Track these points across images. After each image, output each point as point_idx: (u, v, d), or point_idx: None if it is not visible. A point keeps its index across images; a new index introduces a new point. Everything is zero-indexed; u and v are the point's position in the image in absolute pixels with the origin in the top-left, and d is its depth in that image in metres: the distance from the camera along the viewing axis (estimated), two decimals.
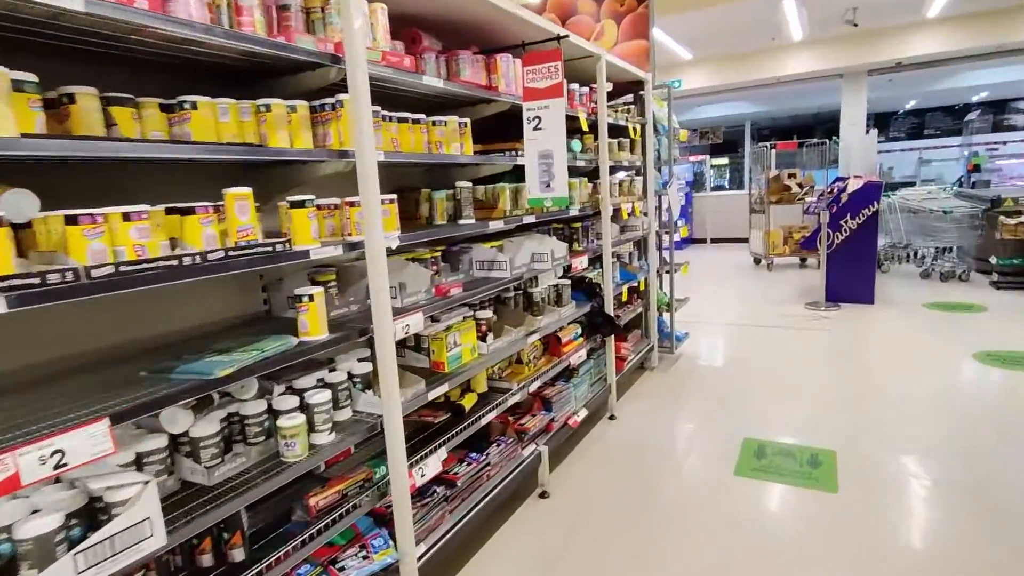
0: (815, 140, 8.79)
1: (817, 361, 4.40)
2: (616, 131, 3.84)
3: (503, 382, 2.72)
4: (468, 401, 2.45)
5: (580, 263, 3.14)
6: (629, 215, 3.95)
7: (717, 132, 18.74)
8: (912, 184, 13.02)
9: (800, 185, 8.35)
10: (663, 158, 4.24)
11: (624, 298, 3.84)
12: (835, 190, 8.46)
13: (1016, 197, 6.25)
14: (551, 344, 3.10)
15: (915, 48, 9.45)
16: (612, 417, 3.54)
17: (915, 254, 7.95)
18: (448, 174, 2.68)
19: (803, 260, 8.70)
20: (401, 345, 2.31)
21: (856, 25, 8.41)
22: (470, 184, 2.34)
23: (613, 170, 3.96)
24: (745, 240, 10.37)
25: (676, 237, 4.54)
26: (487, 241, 2.67)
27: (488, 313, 2.50)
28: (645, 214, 4.16)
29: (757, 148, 8.69)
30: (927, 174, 16.91)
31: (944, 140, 17.72)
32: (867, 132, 10.65)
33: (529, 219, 2.64)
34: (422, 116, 2.14)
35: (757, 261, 9.02)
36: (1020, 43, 9.12)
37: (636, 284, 4.07)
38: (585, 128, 3.12)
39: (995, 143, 16.02)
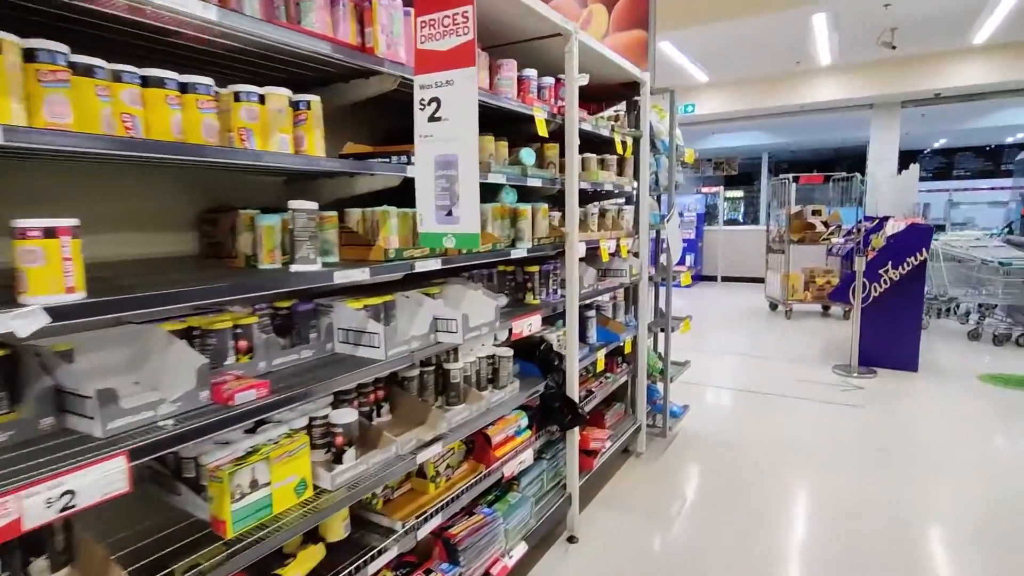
0: (843, 174, 7.81)
1: (850, 456, 3.36)
2: (598, 145, 2.89)
3: (382, 515, 1.73)
4: (300, 567, 1.46)
5: (529, 324, 2.17)
6: (613, 255, 2.99)
7: (732, 163, 17.83)
8: (942, 228, 11.98)
9: (826, 224, 7.36)
10: (662, 183, 3.28)
11: (600, 366, 2.85)
12: (863, 230, 7.47)
13: None
14: (477, 446, 2.11)
15: (956, 78, 8.50)
16: (572, 539, 2.52)
17: (957, 308, 6.89)
18: (317, 186, 1.73)
19: (826, 308, 7.66)
20: (176, 476, 1.34)
21: (894, 48, 7.50)
22: (314, 206, 1.39)
23: (593, 195, 3.00)
24: (759, 280, 9.36)
25: (675, 284, 3.57)
26: (365, 296, 1.70)
27: (349, 416, 1.53)
28: (636, 254, 3.19)
29: (777, 181, 7.73)
30: (956, 217, 15.85)
31: (982, 182, 16.67)
32: (899, 171, 9.66)
33: (430, 263, 1.67)
34: (204, 81, 1.20)
35: (773, 306, 7.99)
36: None
37: (620, 345, 3.09)
38: (544, 133, 2.17)
39: None
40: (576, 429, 2.46)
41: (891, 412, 4.06)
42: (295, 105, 1.36)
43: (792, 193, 8.17)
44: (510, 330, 2.05)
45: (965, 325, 6.48)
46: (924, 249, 4.74)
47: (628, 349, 3.22)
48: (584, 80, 2.36)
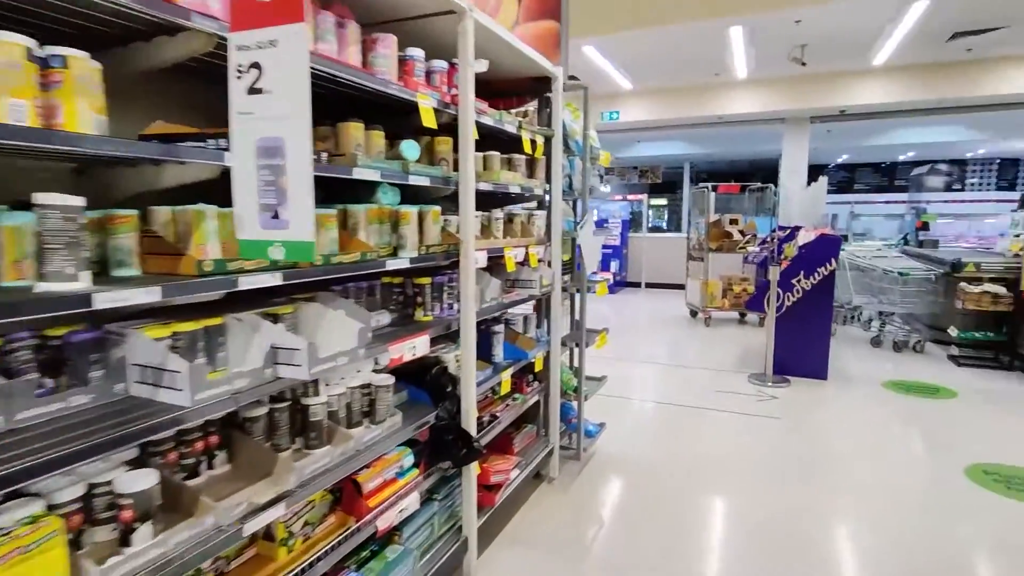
0: (757, 185, 8.01)
1: (768, 471, 3.26)
2: (505, 143, 2.62)
3: None
4: None
5: (413, 347, 1.85)
6: (521, 265, 2.72)
7: (656, 172, 18.27)
8: (845, 238, 12.71)
9: (742, 232, 7.49)
10: (576, 187, 3.05)
11: (506, 388, 2.57)
12: (778, 239, 7.66)
13: (979, 262, 5.51)
14: (346, 495, 1.76)
15: (859, 96, 8.98)
16: None
17: (860, 315, 7.18)
18: (116, 177, 1.33)
19: (742, 315, 7.81)
20: None
21: (804, 64, 7.78)
22: (76, 201, 1.01)
23: (501, 199, 2.73)
24: (681, 287, 9.48)
25: (591, 295, 3.35)
26: (181, 320, 1.32)
27: (143, 480, 1.15)
28: (548, 264, 2.95)
29: (697, 189, 7.82)
30: (857, 228, 16.96)
31: (880, 196, 17.92)
32: (808, 183, 10.10)
33: (263, 279, 1.31)
34: None
35: (694, 313, 8.07)
36: (959, 100, 8.81)
37: (531, 362, 2.82)
38: (431, 124, 1.87)
39: (941, 200, 16.22)
40: (474, 463, 2.16)
41: (805, 423, 4.04)
42: (42, 62, 0.98)
43: (711, 202, 8.30)
44: (387, 355, 1.72)
45: (868, 332, 6.75)
46: (833, 259, 4.82)
47: (540, 366, 2.96)
48: (482, 66, 2.08)
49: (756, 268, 9.03)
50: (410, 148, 1.81)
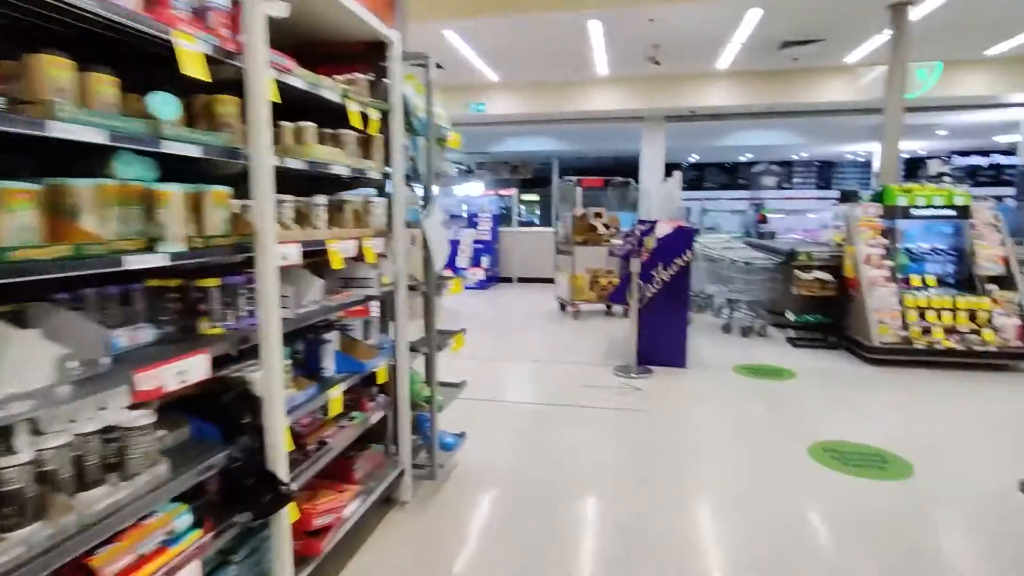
0: (619, 179, 8.22)
1: (632, 464, 3.18)
2: (330, 116, 2.19)
3: None
4: None
5: (180, 372, 1.38)
6: (355, 260, 2.31)
7: (527, 167, 18.50)
8: (698, 231, 13.71)
9: (607, 226, 7.62)
10: (421, 170, 2.70)
11: (335, 409, 2.15)
12: (639, 232, 7.89)
13: (810, 251, 6.02)
14: None
15: (707, 98, 9.60)
16: None
17: (712, 303, 7.62)
18: None
19: (608, 307, 7.97)
20: None
21: (658, 63, 8.11)
22: None
23: (325, 182, 2.29)
24: (552, 281, 9.54)
25: (444, 293, 3.03)
26: None
27: None
28: (385, 257, 2.56)
29: (564, 183, 7.83)
30: (707, 222, 18.48)
31: (725, 193, 19.59)
32: (664, 178, 10.67)
33: None
34: None
35: (563, 307, 8.09)
36: (786, 105, 9.73)
37: (372, 374, 2.43)
38: (198, 72, 1.40)
39: (775, 197, 17.98)
40: (287, 509, 1.73)
41: (666, 413, 4.06)
42: None
43: (579, 196, 8.39)
44: (127, 389, 1.25)
45: (719, 319, 7.17)
46: (689, 250, 4.95)
47: (384, 378, 2.58)
48: (281, 9, 1.65)
49: (620, 261, 9.32)
50: (163, 104, 1.34)
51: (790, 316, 6.00)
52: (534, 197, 24.54)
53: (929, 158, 13.70)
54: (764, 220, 8.81)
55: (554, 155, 17.37)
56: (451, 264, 10.53)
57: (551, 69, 9.30)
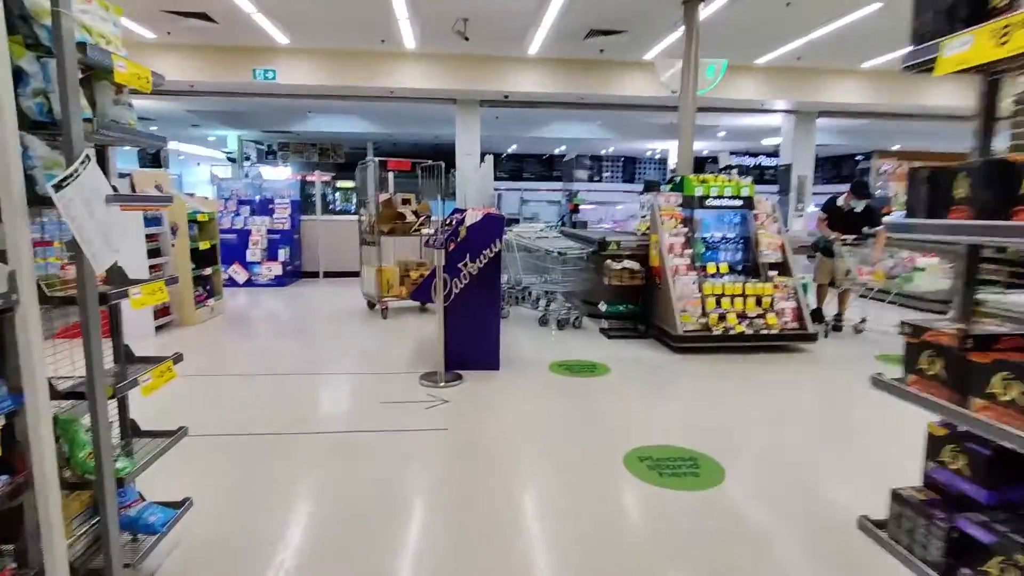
0: (429, 162, 7.55)
1: (431, 503, 2.52)
2: None
3: None
4: None
5: None
6: None
7: (338, 150, 16.99)
8: (518, 221, 13.73)
9: (416, 213, 6.90)
10: (57, 112, 1.69)
11: None
12: (453, 222, 7.32)
13: (619, 240, 5.96)
14: None
15: (519, 83, 9.36)
16: None
17: (529, 295, 7.36)
18: None
19: (423, 304, 7.29)
20: None
21: (467, 39, 7.56)
22: None
23: None
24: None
25: (134, 310, 2.05)
26: None
27: None
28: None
29: (365, 165, 6.92)
30: (527, 212, 18.80)
31: (542, 184, 20.11)
32: (480, 163, 10.27)
33: None
34: None
35: (371, 305, 7.22)
36: (594, 96, 9.91)
37: None
38: None
39: (586, 189, 18.75)
40: None
41: (474, 429, 3.50)
42: None
43: (390, 182, 7.54)
44: None
45: (536, 311, 6.91)
46: (498, 240, 4.45)
47: None
48: None
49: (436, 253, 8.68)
50: None
51: (603, 307, 5.89)
52: (349, 184, 22.90)
53: (714, 157, 15.34)
54: (576, 210, 8.85)
55: (368, 138, 16.16)
56: (239, 258, 8.97)
57: (353, 36, 8.26)
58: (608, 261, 5.85)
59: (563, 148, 19.38)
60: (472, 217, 4.86)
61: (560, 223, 9.19)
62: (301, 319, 6.66)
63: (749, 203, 5.72)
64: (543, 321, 6.35)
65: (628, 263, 5.81)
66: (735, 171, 6.36)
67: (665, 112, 10.58)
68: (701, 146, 17.64)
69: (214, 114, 12.92)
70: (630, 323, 5.96)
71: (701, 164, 17.81)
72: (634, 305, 5.89)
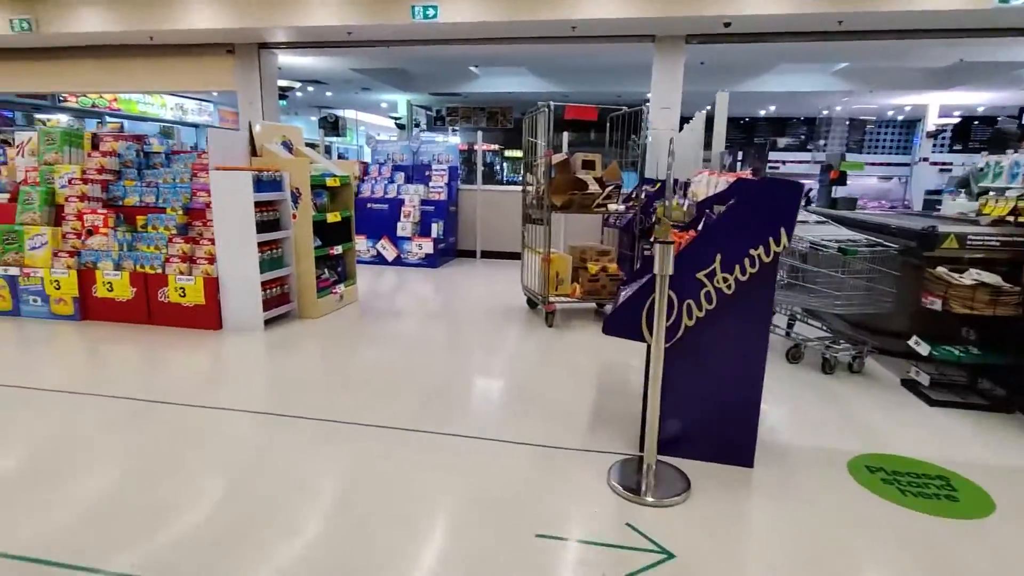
0: (624, 109, 5.48)
1: None
2: None
3: None
4: None
5: None
6: None
7: (507, 114, 15.53)
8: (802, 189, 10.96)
9: (601, 181, 4.90)
10: None
11: None
12: (646, 195, 5.21)
13: (962, 234, 3.37)
14: None
15: (746, 4, 6.74)
16: None
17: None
18: None
19: (600, 305, 5.34)
20: None
21: None
22: None
23: None
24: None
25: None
26: None
27: None
28: None
29: (534, 111, 5.06)
30: None
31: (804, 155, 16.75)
32: (680, 129, 7.86)
33: None
34: None
35: (532, 304, 5.46)
36: (862, 16, 6.89)
37: None
38: None
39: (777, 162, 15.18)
40: None
41: None
42: None
43: (565, 141, 5.66)
44: None
45: (780, 335, 4.56)
46: (783, 231, 2.26)
47: None
48: None
49: (619, 235, 6.64)
50: None
51: (921, 347, 3.38)
52: (519, 153, 21.58)
53: None
54: (840, 179, 6.08)
55: (539, 99, 14.42)
56: (389, 232, 7.80)
57: None
58: (941, 269, 3.32)
59: (772, 108, 15.77)
60: (709, 184, 2.74)
61: (806, 202, 6.51)
62: (442, 321, 5.11)
63: None
64: (793, 356, 4.01)
65: (984, 275, 3.23)
66: None
67: (957, 39, 7.17)
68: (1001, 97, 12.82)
69: (380, 73, 12.13)
70: (966, 377, 3.40)
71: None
72: (986, 350, 3.29)
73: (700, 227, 2.58)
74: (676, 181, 4.72)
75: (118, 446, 2.60)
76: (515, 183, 17.41)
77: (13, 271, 4.68)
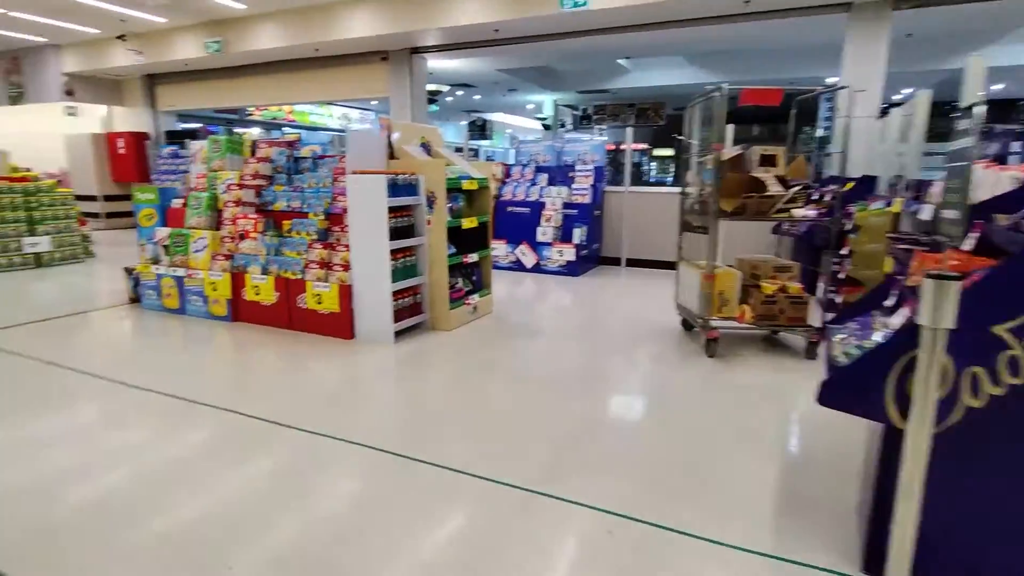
0: (819, 89, 4.47)
1: None
2: None
3: None
4: None
5: None
6: None
7: (660, 111, 14.45)
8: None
9: (784, 181, 3.96)
10: None
11: None
12: (834, 196, 4.20)
13: None
14: None
15: None
16: None
17: None
18: None
19: (775, 332, 4.38)
20: None
21: None
22: None
23: None
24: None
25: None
26: None
27: None
28: None
29: (700, 101, 4.26)
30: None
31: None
32: (880, 115, 6.43)
33: None
34: None
35: (688, 326, 4.65)
36: None
37: None
38: None
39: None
40: None
41: None
42: None
43: (731, 133, 4.78)
44: None
45: None
46: None
47: None
48: None
49: (793, 245, 5.54)
50: None
51: None
52: (668, 152, 20.24)
53: None
54: None
55: (696, 92, 13.21)
56: (529, 237, 7.39)
57: None
58: None
59: (1000, 87, 12.84)
60: (994, 182, 1.83)
61: None
62: (581, 342, 4.51)
63: None
64: None
65: None
66: None
67: None
68: None
69: (527, 72, 11.88)
70: None
71: None
72: None
73: (991, 253, 1.70)
74: (899, 179, 3.67)
75: (226, 472, 2.39)
76: (663, 184, 16.21)
77: (180, 272, 4.98)
